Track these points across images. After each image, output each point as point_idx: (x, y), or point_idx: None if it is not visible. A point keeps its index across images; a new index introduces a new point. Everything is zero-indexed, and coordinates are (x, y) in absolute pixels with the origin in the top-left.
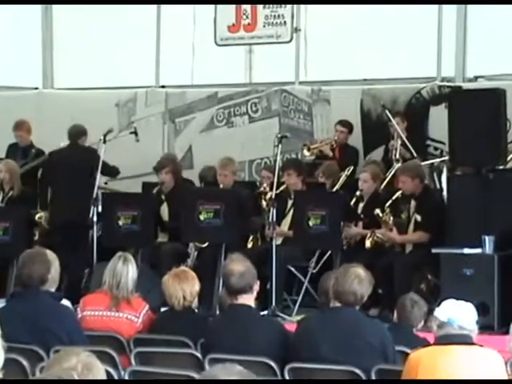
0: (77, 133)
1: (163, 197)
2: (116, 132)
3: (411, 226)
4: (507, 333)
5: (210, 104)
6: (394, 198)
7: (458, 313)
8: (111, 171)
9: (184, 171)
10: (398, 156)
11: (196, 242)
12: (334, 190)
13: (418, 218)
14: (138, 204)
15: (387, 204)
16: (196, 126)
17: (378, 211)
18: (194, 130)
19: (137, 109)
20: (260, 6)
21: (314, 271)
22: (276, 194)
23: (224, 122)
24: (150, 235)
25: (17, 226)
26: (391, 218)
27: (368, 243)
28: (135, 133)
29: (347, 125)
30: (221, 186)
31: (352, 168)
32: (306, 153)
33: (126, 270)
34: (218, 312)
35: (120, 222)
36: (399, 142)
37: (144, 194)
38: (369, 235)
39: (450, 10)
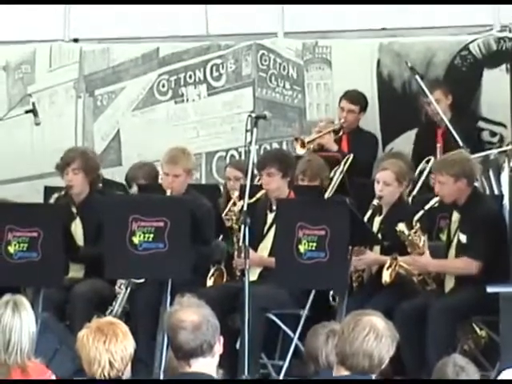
0: None
1: (74, 209)
2: (4, 110)
3: (452, 251)
4: None
5: (147, 67)
6: (426, 207)
7: None
8: None
9: (108, 170)
10: None
11: (127, 277)
12: (327, 195)
13: (463, 238)
14: (39, 220)
15: (416, 217)
16: (126, 100)
17: (401, 227)
18: (123, 106)
19: (36, 74)
20: None
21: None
22: (249, 205)
23: (169, 95)
24: (57, 268)
25: None
26: (423, 239)
27: (387, 276)
28: (33, 111)
29: (358, 99)
30: (168, 192)
31: (350, 158)
32: (299, 150)
33: (18, 322)
34: None
35: (10, 249)
36: None
37: (48, 204)
38: (388, 264)
39: None
